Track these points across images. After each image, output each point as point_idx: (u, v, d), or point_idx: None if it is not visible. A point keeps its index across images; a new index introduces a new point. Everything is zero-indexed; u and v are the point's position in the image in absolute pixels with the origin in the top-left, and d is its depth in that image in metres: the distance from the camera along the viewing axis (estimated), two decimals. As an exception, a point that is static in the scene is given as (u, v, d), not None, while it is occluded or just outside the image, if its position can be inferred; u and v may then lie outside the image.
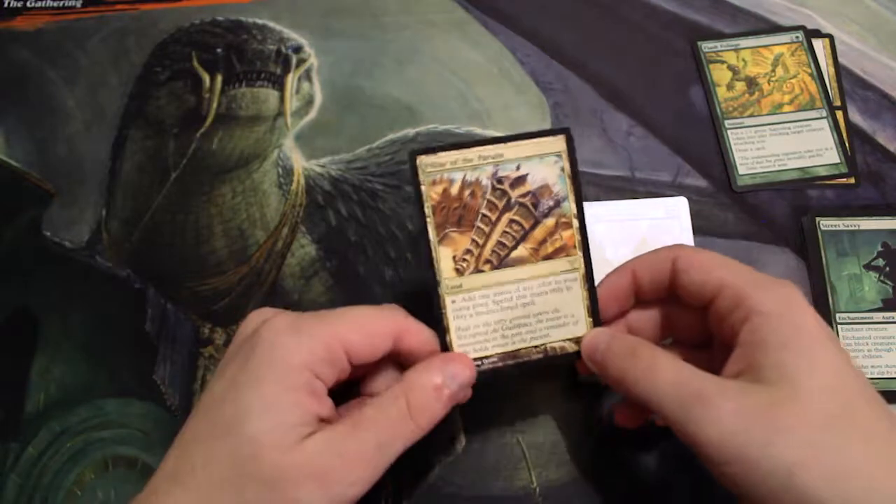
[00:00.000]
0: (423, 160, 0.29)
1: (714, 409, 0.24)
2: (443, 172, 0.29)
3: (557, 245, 0.29)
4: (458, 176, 0.29)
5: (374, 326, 0.27)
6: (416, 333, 0.28)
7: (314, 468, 0.24)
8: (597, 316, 0.30)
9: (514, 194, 0.29)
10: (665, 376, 0.26)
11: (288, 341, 0.26)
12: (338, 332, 0.26)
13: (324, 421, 0.26)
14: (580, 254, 0.30)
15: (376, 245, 0.39)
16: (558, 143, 0.29)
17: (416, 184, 0.29)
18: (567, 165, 0.29)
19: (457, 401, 0.28)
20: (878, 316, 0.37)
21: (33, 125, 0.43)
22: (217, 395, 0.26)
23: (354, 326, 0.27)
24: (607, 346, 0.28)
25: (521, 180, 0.29)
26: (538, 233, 0.29)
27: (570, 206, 0.29)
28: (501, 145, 0.29)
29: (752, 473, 0.23)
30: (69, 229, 0.40)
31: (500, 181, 0.29)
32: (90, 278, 0.39)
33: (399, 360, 0.29)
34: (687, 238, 0.39)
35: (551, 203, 0.29)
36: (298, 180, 0.41)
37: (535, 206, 0.29)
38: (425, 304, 0.38)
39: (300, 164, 0.42)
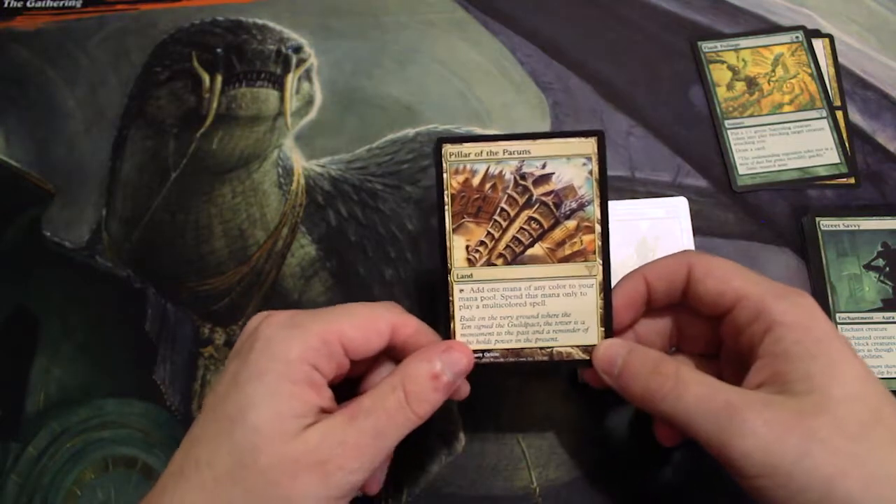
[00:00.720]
0: (448, 148, 0.29)
1: (745, 422, 0.24)
2: (466, 163, 0.29)
3: (576, 248, 0.29)
4: (482, 168, 0.29)
5: (370, 321, 0.27)
6: (412, 328, 0.28)
7: (314, 457, 0.24)
8: (609, 326, 0.29)
9: (537, 192, 0.29)
10: (692, 391, 0.25)
11: (285, 335, 0.26)
12: (334, 326, 0.26)
13: (324, 412, 0.26)
14: (599, 261, 0.29)
15: (376, 245, 0.39)
16: (589, 145, 0.29)
17: (439, 171, 0.29)
18: (596, 169, 0.29)
19: (454, 389, 0.28)
20: (878, 316, 0.37)
21: (33, 125, 0.43)
22: (219, 393, 0.26)
23: (350, 320, 0.27)
24: (625, 362, 0.28)
25: (545, 178, 0.29)
26: (557, 234, 0.29)
27: (595, 210, 0.29)
28: (529, 142, 0.29)
29: (789, 485, 0.23)
30: (69, 229, 0.40)
31: (523, 177, 0.29)
32: (90, 278, 0.39)
33: (397, 358, 0.29)
34: (687, 238, 0.39)
35: (574, 205, 0.29)
36: (298, 180, 0.41)
37: (558, 206, 0.29)
38: (425, 303, 0.38)
39: (300, 164, 0.42)
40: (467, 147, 0.29)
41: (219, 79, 0.44)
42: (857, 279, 0.38)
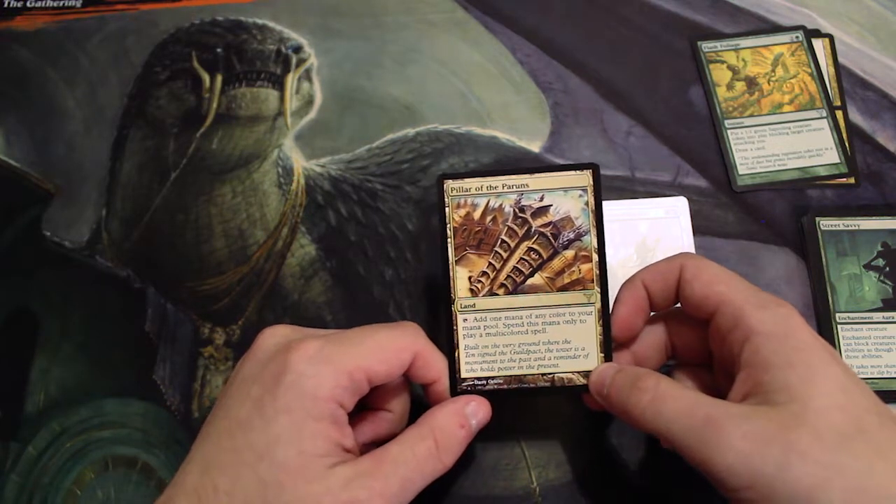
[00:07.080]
0: (449, 184, 0.30)
1: (725, 435, 0.24)
2: (467, 197, 0.30)
3: (574, 277, 0.30)
4: (482, 201, 0.30)
5: (397, 353, 0.28)
6: (431, 359, 0.29)
7: (339, 500, 0.24)
8: (609, 352, 0.30)
9: (536, 224, 0.30)
10: (672, 405, 0.26)
11: (315, 372, 0.26)
12: (362, 362, 0.27)
13: (345, 451, 0.26)
14: (597, 289, 0.30)
15: (376, 245, 0.39)
16: (584, 177, 0.30)
17: (442, 206, 0.30)
18: (591, 200, 0.30)
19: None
20: (878, 316, 0.37)
21: (33, 125, 0.43)
22: (242, 418, 0.26)
23: (377, 354, 0.27)
24: (612, 381, 0.28)
25: (543, 211, 0.30)
26: (556, 263, 0.30)
27: (592, 240, 0.30)
28: (527, 175, 0.30)
29: (772, 497, 0.23)
30: (69, 229, 0.40)
31: (522, 210, 0.30)
32: (90, 278, 0.39)
33: (408, 374, 0.30)
34: (687, 238, 0.39)
35: (572, 236, 0.30)
36: (298, 180, 0.41)
37: (556, 236, 0.30)
38: (426, 304, 0.38)
39: (300, 163, 0.42)
40: (468, 182, 0.30)
41: (219, 79, 0.44)
42: (857, 279, 0.38)
